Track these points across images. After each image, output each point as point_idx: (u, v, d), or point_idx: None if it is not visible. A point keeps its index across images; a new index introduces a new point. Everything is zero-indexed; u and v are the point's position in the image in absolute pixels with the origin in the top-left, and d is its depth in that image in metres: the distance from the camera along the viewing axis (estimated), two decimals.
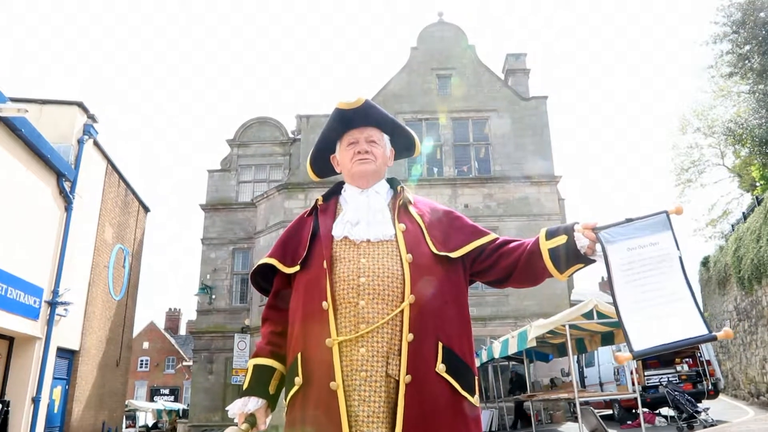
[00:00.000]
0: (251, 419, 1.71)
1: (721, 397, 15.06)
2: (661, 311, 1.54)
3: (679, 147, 27.16)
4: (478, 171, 20.18)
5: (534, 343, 10.78)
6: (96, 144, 14.75)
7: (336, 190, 2.01)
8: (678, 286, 1.55)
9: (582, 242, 1.68)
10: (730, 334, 1.53)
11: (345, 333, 1.67)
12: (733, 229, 16.84)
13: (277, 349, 1.82)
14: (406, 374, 1.60)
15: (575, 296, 20.46)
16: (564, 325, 10.16)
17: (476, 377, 1.75)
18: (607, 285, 1.64)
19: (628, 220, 1.64)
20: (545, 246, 1.75)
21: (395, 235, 1.81)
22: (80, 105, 13.78)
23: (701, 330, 1.50)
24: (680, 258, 1.58)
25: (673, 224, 1.61)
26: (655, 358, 12.23)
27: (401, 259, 1.75)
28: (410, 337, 1.64)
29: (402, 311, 1.67)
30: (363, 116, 1.95)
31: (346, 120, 1.95)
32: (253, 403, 1.74)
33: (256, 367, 1.80)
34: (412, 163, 19.93)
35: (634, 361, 1.67)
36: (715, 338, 1.50)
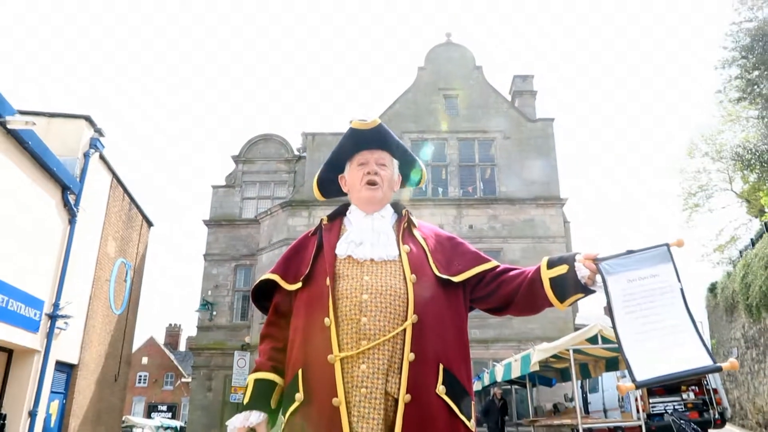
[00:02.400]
0: None
1: (728, 426, 14.89)
2: (664, 342, 1.55)
3: (686, 171, 27.23)
4: (484, 192, 20.23)
5: (537, 368, 10.74)
6: (102, 157, 14.88)
7: (341, 211, 2.05)
8: (680, 318, 1.57)
9: (582, 272, 1.71)
10: (735, 365, 1.53)
11: (346, 349, 1.68)
12: (741, 256, 16.79)
13: (278, 364, 1.82)
14: (406, 393, 1.62)
15: (580, 320, 20.33)
16: (568, 350, 10.14)
17: (473, 402, 1.77)
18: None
19: (629, 252, 1.66)
20: (546, 275, 1.78)
21: (399, 255, 1.84)
22: (87, 119, 13.94)
23: (705, 361, 1.51)
24: (681, 290, 1.60)
25: (675, 257, 1.63)
26: (660, 386, 12.16)
27: (405, 279, 1.78)
28: (411, 356, 1.66)
29: (404, 330, 1.69)
30: (376, 138, 1.99)
31: (359, 140, 1.99)
32: (255, 417, 1.73)
33: (257, 381, 1.80)
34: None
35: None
36: (720, 369, 1.52)
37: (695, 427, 11.35)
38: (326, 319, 1.71)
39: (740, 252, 17.72)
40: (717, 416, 12.71)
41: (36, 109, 13.43)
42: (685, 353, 1.53)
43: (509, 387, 16.63)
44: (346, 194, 2.10)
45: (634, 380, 1.54)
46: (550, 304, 1.79)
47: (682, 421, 11.33)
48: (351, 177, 2.01)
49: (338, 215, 2.04)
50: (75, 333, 13.78)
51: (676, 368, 1.52)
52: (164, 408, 49.83)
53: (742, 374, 16.29)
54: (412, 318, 1.70)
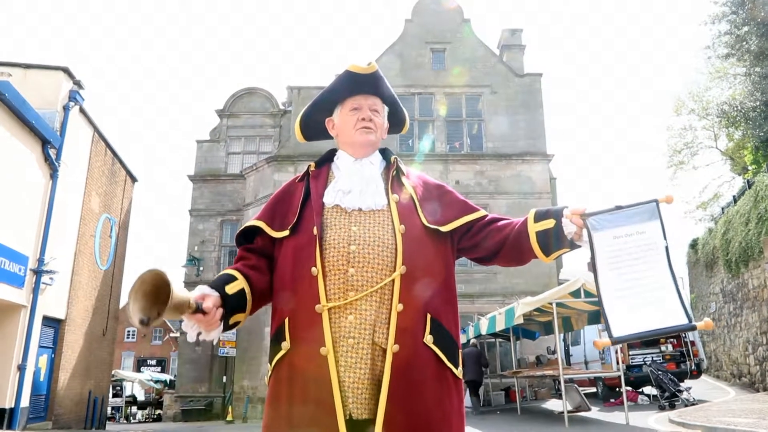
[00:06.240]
0: (199, 303, 1.61)
1: (703, 377, 15.37)
2: (643, 300, 1.57)
3: (673, 128, 27.31)
4: (470, 147, 20.16)
5: (521, 321, 10.89)
6: (82, 111, 14.54)
7: (328, 158, 1.99)
8: (662, 276, 1.58)
9: (569, 228, 1.69)
10: (710, 324, 1.55)
11: (334, 299, 1.67)
12: (723, 212, 16.99)
13: (246, 270, 1.77)
14: (394, 344, 1.61)
15: (564, 275, 20.61)
16: (551, 303, 10.25)
17: (459, 350, 1.77)
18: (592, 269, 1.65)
19: (618, 208, 1.65)
20: (533, 228, 1.76)
21: (388, 205, 1.80)
22: (66, 70, 13.54)
23: (682, 319, 1.54)
24: (666, 248, 1.60)
25: (662, 214, 1.62)
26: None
27: (394, 230, 1.75)
28: (400, 307, 1.65)
29: (392, 281, 1.68)
30: (372, 84, 1.93)
31: (354, 84, 1.92)
32: (207, 290, 1.66)
33: (222, 273, 1.76)
34: (408, 138, 19.91)
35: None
36: (694, 328, 1.54)
37: (672, 377, 11.68)
38: (313, 269, 1.69)
39: (722, 209, 17.90)
40: (693, 367, 13.11)
41: (11, 60, 13.01)
42: (663, 311, 1.55)
43: (493, 340, 16.95)
44: (328, 137, 2.04)
45: (611, 336, 1.57)
46: (536, 257, 1.79)
47: (659, 372, 11.64)
48: (342, 121, 1.95)
49: (326, 161, 1.98)
50: (61, 288, 13.74)
51: (652, 326, 1.55)
52: (153, 362, 50.33)
53: (719, 327, 16.70)
54: (400, 269, 1.68)
